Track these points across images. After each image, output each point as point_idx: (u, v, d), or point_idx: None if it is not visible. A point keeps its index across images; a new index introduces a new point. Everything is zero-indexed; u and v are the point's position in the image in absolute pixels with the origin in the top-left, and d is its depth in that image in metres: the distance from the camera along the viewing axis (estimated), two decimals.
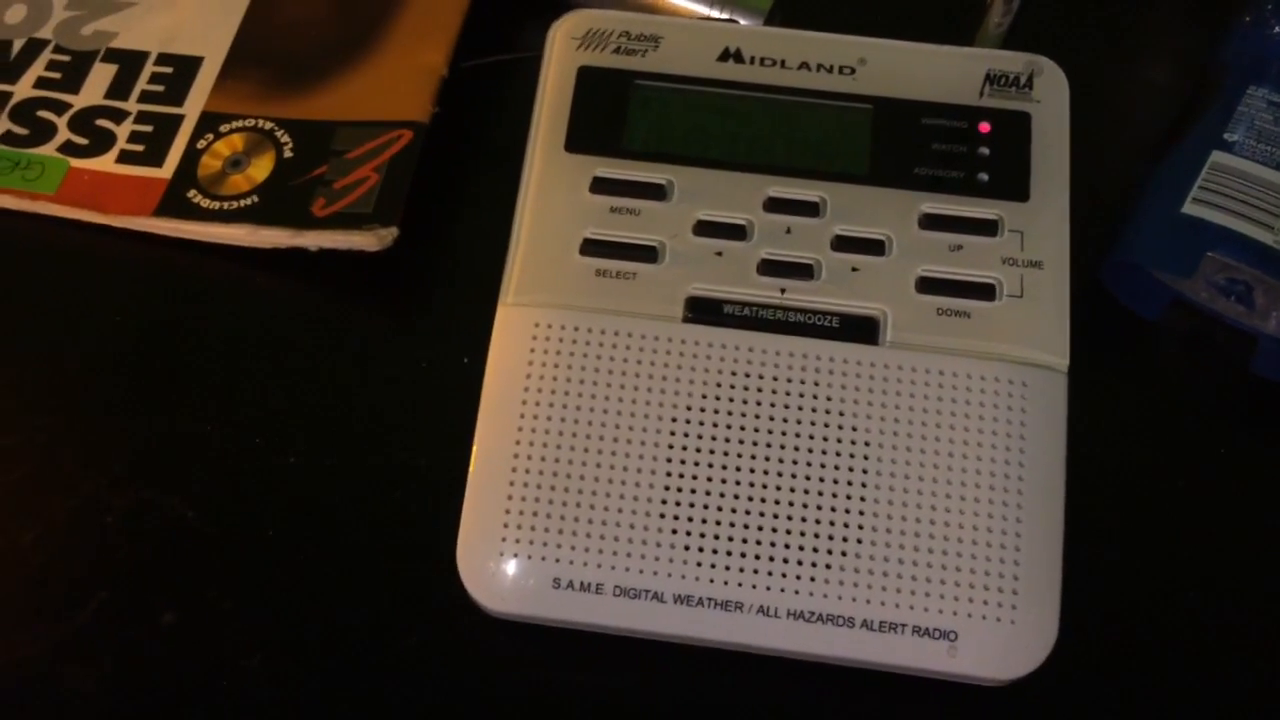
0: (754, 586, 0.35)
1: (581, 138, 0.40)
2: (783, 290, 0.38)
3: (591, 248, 0.38)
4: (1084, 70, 0.41)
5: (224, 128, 0.46)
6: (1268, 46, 0.45)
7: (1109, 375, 0.42)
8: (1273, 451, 0.41)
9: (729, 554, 0.35)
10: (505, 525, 0.35)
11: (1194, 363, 0.43)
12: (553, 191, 0.39)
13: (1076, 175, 0.39)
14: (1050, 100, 0.40)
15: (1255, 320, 0.42)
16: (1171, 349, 0.43)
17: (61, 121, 0.47)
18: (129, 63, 0.49)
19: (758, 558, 0.35)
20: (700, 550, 0.35)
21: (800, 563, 0.35)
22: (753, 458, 0.36)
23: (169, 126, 0.47)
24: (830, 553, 0.35)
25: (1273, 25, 0.45)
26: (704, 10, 0.48)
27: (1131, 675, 0.37)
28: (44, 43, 0.49)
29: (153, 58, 0.49)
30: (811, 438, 0.36)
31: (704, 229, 0.39)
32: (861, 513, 0.35)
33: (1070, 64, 0.41)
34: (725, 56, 0.41)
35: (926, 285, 0.38)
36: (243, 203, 0.44)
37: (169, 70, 0.48)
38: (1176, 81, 0.49)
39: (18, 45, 0.49)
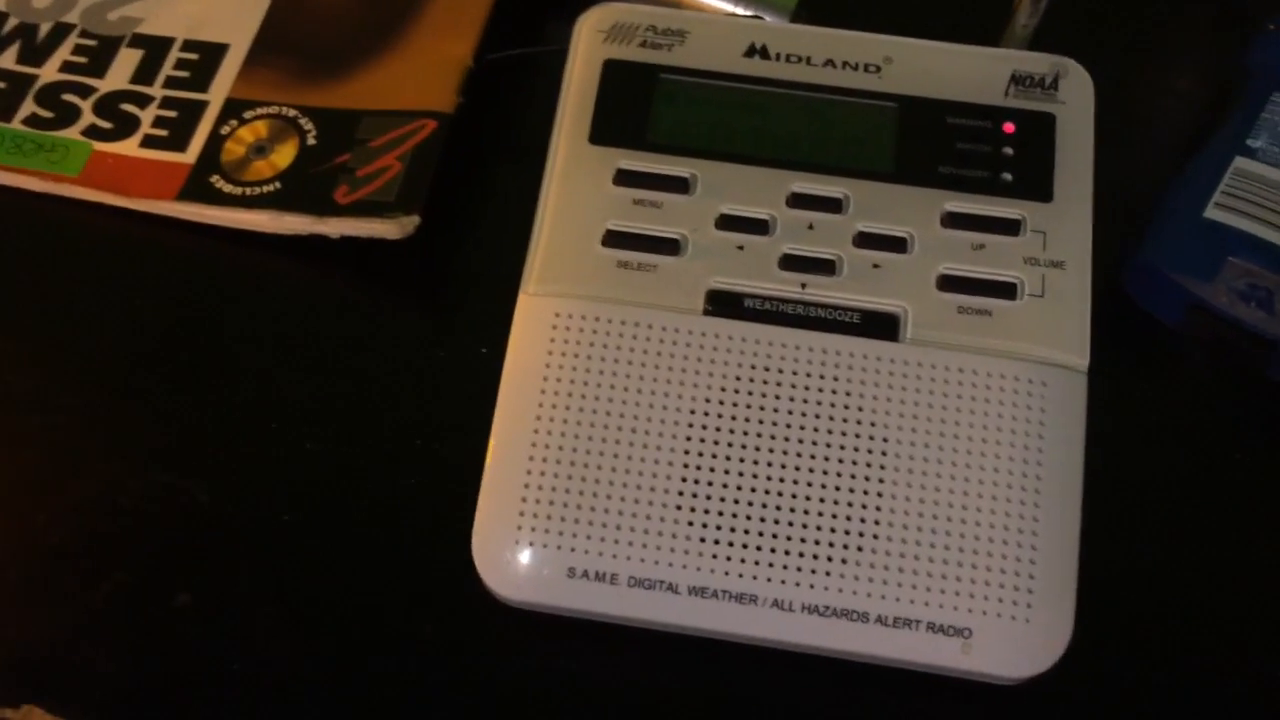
0: (769, 580, 0.35)
1: (606, 130, 0.40)
2: (803, 285, 0.38)
3: (613, 239, 0.38)
4: (1109, 74, 0.41)
5: (248, 114, 0.47)
6: None
7: (1128, 379, 0.42)
8: None
9: (744, 547, 0.35)
10: (521, 514, 0.35)
11: (1213, 368, 0.43)
12: (576, 183, 0.39)
13: (1099, 179, 0.39)
14: (1075, 102, 0.40)
15: (1275, 326, 0.42)
16: (1191, 354, 0.43)
17: (86, 105, 0.47)
18: (154, 48, 0.49)
19: (773, 551, 0.35)
20: (716, 543, 0.35)
21: (816, 557, 0.35)
22: (770, 451, 0.36)
23: (193, 112, 0.47)
24: (846, 548, 0.35)
25: None
26: (730, 7, 0.48)
27: (1145, 675, 0.37)
28: (70, 27, 0.50)
29: (178, 44, 0.49)
30: (830, 432, 0.36)
31: (726, 223, 0.39)
32: (878, 508, 0.35)
33: (1095, 67, 0.41)
34: (751, 52, 0.41)
35: (948, 283, 0.38)
36: (265, 189, 0.45)
37: (194, 57, 0.48)
38: (1200, 87, 0.49)
39: (44, 29, 0.49)
